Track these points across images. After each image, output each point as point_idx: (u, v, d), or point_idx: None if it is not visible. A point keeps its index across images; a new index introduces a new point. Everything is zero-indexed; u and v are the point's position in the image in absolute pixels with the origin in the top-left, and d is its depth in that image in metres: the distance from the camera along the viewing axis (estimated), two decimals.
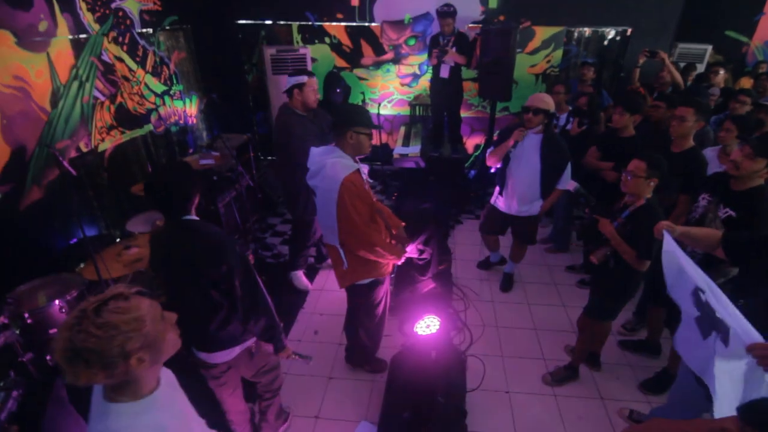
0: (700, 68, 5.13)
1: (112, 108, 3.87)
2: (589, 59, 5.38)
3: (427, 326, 2.61)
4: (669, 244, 1.80)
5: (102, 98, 3.74)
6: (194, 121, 5.15)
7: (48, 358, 2.31)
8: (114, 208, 3.74)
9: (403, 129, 5.79)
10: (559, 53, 5.56)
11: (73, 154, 3.43)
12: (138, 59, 4.20)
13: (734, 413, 1.14)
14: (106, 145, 3.80)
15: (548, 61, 5.62)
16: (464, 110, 5.46)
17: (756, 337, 1.31)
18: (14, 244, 2.90)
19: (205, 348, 1.86)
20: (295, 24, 5.58)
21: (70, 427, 1.91)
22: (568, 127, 3.93)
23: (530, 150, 3.05)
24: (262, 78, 5.67)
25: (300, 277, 3.74)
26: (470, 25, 5.26)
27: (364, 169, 2.29)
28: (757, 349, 1.28)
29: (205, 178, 3.68)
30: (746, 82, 4.98)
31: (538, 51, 5.56)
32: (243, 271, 1.73)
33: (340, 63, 5.78)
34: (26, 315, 2.25)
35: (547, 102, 2.98)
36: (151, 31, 4.40)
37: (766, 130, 3.05)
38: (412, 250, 2.65)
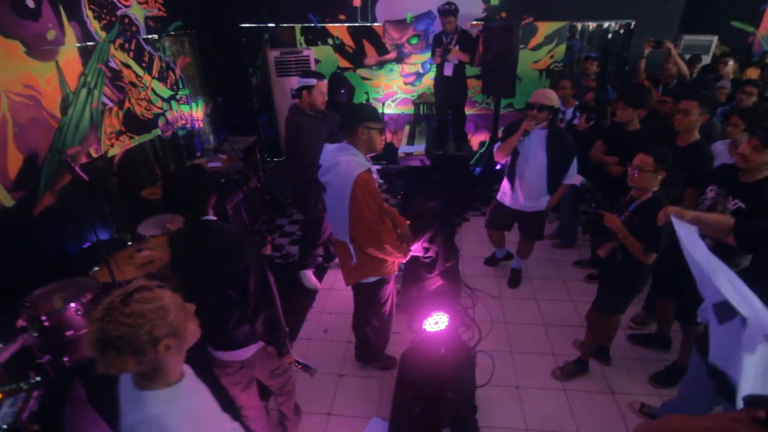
0: (706, 60, 5.09)
1: (121, 114, 3.93)
2: (592, 53, 5.36)
3: (436, 323, 2.63)
4: (680, 230, 1.76)
5: (110, 104, 3.80)
6: (201, 125, 5.21)
7: (65, 359, 2.37)
8: (124, 212, 3.80)
9: (407, 128, 5.81)
10: (562, 48, 5.54)
11: (83, 159, 3.49)
12: (144, 65, 4.26)
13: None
14: (116, 150, 3.85)
15: (551, 57, 5.61)
16: (468, 107, 5.47)
17: None
18: (29, 249, 2.96)
19: (222, 347, 1.89)
20: (297, 26, 5.62)
21: (89, 425, 1.96)
22: (575, 121, 3.93)
23: (536, 145, 3.05)
24: (266, 80, 5.72)
25: (309, 276, 3.77)
26: (472, 22, 5.26)
27: (374, 168, 2.33)
28: None
29: (213, 180, 3.74)
30: (753, 73, 4.93)
31: (541, 46, 5.55)
32: (258, 269, 1.76)
33: (344, 64, 5.81)
34: (43, 318, 2.30)
35: (551, 98, 2.98)
36: (156, 37, 4.45)
37: None
38: (417, 249, 2.67)
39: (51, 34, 3.24)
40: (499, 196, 3.47)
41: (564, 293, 3.68)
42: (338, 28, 5.61)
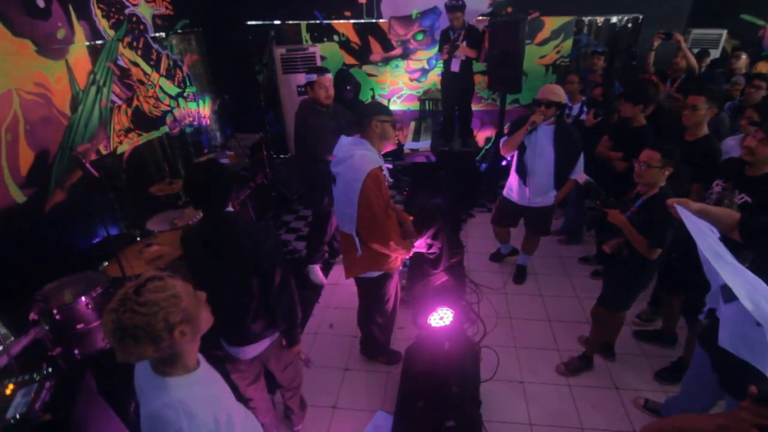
0: (715, 54, 5.03)
1: (129, 111, 3.98)
2: (599, 48, 5.31)
3: (441, 318, 2.65)
4: (688, 219, 1.73)
5: (119, 102, 3.85)
6: (208, 122, 5.25)
7: (76, 352, 2.42)
8: (133, 209, 3.85)
9: (413, 124, 5.80)
10: (569, 43, 5.49)
11: (93, 156, 3.55)
12: (152, 63, 4.30)
13: None
14: (125, 147, 3.91)
15: (558, 52, 5.57)
16: (474, 103, 5.45)
17: None
18: (41, 244, 3.02)
19: (237, 342, 1.92)
20: (303, 23, 5.63)
21: (99, 416, 2.00)
22: (582, 117, 3.91)
23: (544, 141, 3.05)
24: (272, 77, 5.74)
25: (317, 271, 3.81)
26: (478, 17, 5.23)
27: (385, 166, 2.35)
28: None
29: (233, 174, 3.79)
30: (763, 67, 4.87)
31: (547, 42, 5.51)
32: (282, 258, 1.81)
33: (349, 60, 5.82)
34: (55, 311, 2.34)
35: (559, 94, 2.97)
36: (163, 35, 4.50)
37: None
38: (420, 245, 2.69)
39: (61, 33, 3.29)
40: (505, 192, 3.47)
41: (569, 289, 3.67)
42: (344, 25, 5.62)
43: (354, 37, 5.69)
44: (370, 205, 2.15)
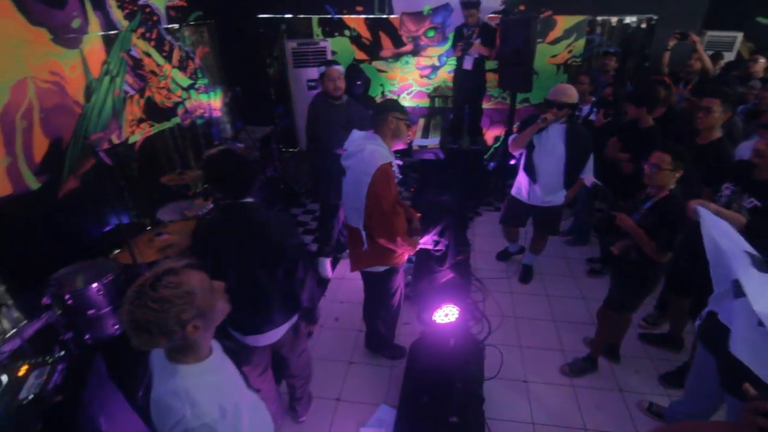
0: (729, 56, 4.97)
1: (142, 101, 4.02)
2: (611, 48, 5.26)
3: (446, 315, 2.66)
4: (707, 221, 1.71)
5: (132, 92, 3.89)
6: (219, 114, 5.28)
7: (87, 337, 2.46)
8: (144, 198, 3.90)
9: (422, 121, 5.80)
10: (581, 43, 5.45)
11: (105, 146, 3.58)
12: (165, 54, 4.33)
13: None
14: (136, 137, 3.95)
15: (570, 51, 5.53)
16: (484, 101, 5.43)
17: None
18: (54, 230, 3.06)
19: (257, 329, 1.95)
20: (315, 17, 5.63)
21: (109, 399, 2.04)
22: (591, 117, 3.89)
23: (555, 140, 3.03)
24: (283, 71, 5.76)
25: (326, 264, 3.82)
26: (490, 15, 5.21)
27: (396, 163, 2.36)
28: None
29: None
30: None
31: (559, 41, 5.47)
32: (303, 243, 1.85)
33: (360, 55, 5.81)
34: (67, 297, 2.39)
35: (571, 95, 2.95)
36: (176, 26, 4.52)
37: None
38: (426, 241, 2.70)
39: (76, 23, 3.32)
40: (514, 192, 3.46)
41: (575, 290, 3.67)
42: (355, 20, 5.61)
43: (365, 33, 5.68)
44: (378, 200, 2.17)
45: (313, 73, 5.30)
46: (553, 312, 3.43)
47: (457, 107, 5.27)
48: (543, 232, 3.54)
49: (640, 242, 2.28)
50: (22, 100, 2.89)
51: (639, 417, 2.58)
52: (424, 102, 5.97)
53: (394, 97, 5.79)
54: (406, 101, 5.97)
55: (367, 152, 2.18)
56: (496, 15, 5.20)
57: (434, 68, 5.83)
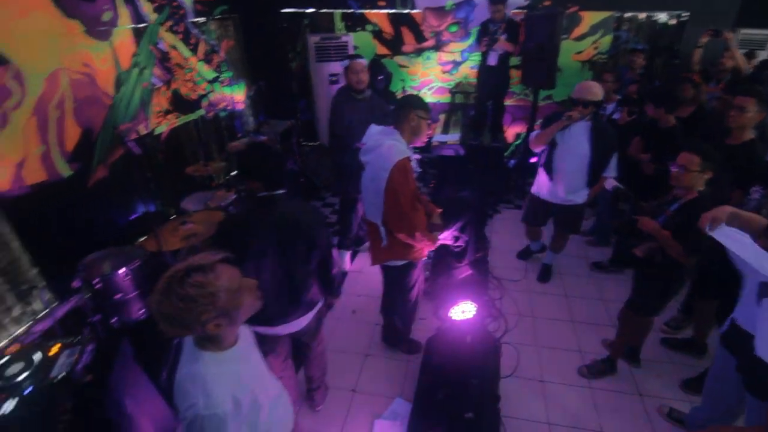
0: (763, 55, 4.78)
1: (168, 93, 4.11)
2: (639, 45, 5.13)
3: (463, 312, 2.65)
4: (725, 239, 1.67)
5: (159, 84, 3.98)
6: (241, 107, 5.35)
7: (114, 320, 2.55)
8: (169, 188, 4.00)
9: (442, 117, 5.78)
10: (607, 39, 5.33)
11: (133, 136, 3.68)
12: (191, 47, 4.41)
13: None
14: (162, 128, 4.04)
15: (596, 48, 5.41)
16: (506, 98, 5.37)
17: None
18: (84, 217, 3.17)
19: (287, 318, 2.00)
20: (337, 12, 5.64)
21: (134, 380, 2.11)
22: (615, 116, 3.81)
23: (579, 137, 2.98)
24: (305, 65, 5.79)
25: (345, 258, 3.84)
26: (515, 10, 5.14)
27: (414, 157, 2.36)
28: None
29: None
30: None
31: (585, 37, 5.35)
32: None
33: (381, 50, 5.81)
34: (95, 281, 2.47)
35: (596, 92, 2.90)
36: (203, 20, 4.60)
37: None
38: (446, 237, 2.69)
39: (107, 15, 3.41)
40: (534, 190, 3.42)
41: (595, 291, 3.61)
42: (377, 15, 5.60)
43: (387, 27, 5.67)
44: (396, 195, 2.17)
45: (335, 67, 5.32)
46: (571, 312, 3.38)
47: (479, 103, 5.22)
48: (564, 230, 3.49)
49: (665, 245, 2.22)
50: (55, 91, 2.99)
51: (658, 422, 2.53)
52: (445, 98, 5.93)
53: (414, 92, 5.77)
54: (427, 97, 5.94)
55: (385, 147, 2.19)
56: (520, 11, 5.12)
57: (456, 64, 5.78)
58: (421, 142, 2.36)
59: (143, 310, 2.65)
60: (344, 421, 2.55)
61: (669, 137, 2.94)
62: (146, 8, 3.80)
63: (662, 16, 5.19)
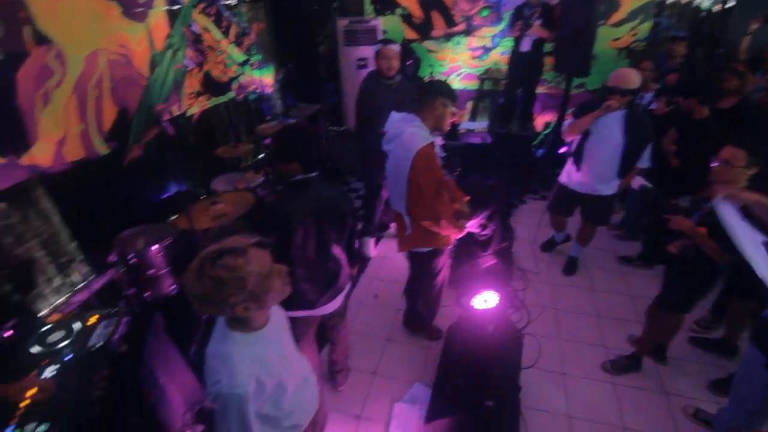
0: None
1: (200, 75, 4.17)
2: (680, 33, 4.88)
3: (485, 301, 2.64)
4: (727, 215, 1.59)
5: (191, 66, 4.04)
6: (270, 90, 5.39)
7: (147, 294, 2.65)
8: (200, 168, 4.09)
9: (470, 104, 5.68)
10: (647, 26, 5.09)
11: (166, 117, 3.77)
12: (223, 30, 4.45)
13: None
14: (194, 110, 4.12)
15: (634, 35, 5.18)
16: (537, 86, 5.23)
17: None
18: (120, 194, 3.29)
19: (324, 300, 2.05)
20: None
21: (166, 352, 2.21)
22: (653, 106, 3.66)
23: (612, 126, 2.88)
24: (333, 49, 5.77)
25: (369, 244, 3.84)
26: None
27: (438, 142, 2.33)
28: None
29: None
30: None
31: (623, 23, 5.14)
32: None
33: (410, 35, 5.72)
34: (130, 256, 2.57)
35: (634, 80, 2.79)
36: (234, 2, 4.62)
37: None
38: (473, 225, 2.67)
39: None
40: (563, 180, 3.34)
41: (622, 286, 3.53)
42: None
43: (417, 11, 5.57)
44: (419, 184, 2.15)
45: (364, 51, 5.28)
46: (596, 306, 3.32)
47: (509, 90, 5.10)
48: (591, 222, 3.41)
49: (700, 243, 2.14)
50: (94, 71, 3.08)
51: (683, 422, 2.48)
52: (474, 84, 5.82)
53: (444, 79, 5.67)
54: (455, 83, 5.84)
55: (406, 135, 2.16)
56: None
57: (486, 49, 5.65)
58: (441, 131, 2.31)
59: (174, 286, 2.75)
60: (364, 402, 2.60)
61: (701, 129, 2.82)
62: None
63: (706, 2, 4.91)
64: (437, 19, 5.57)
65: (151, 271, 2.62)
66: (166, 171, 3.61)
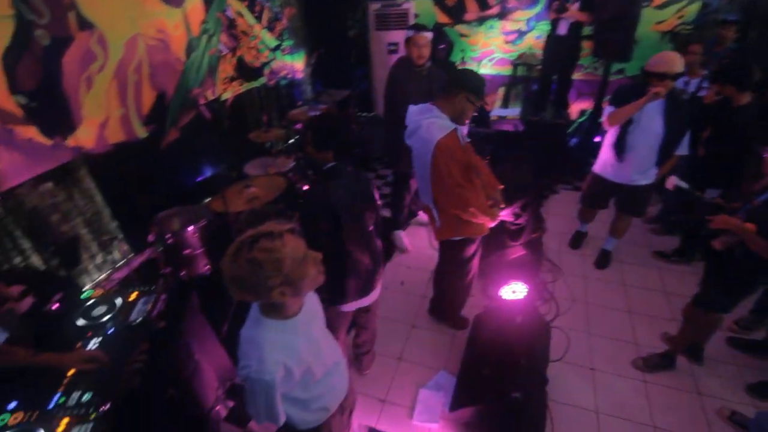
0: None
1: (233, 60, 4.23)
2: (731, 16, 4.55)
3: (513, 292, 2.61)
4: None
5: (225, 51, 4.10)
6: (301, 76, 5.42)
7: (182, 273, 2.75)
8: (233, 152, 4.17)
9: (502, 90, 5.53)
10: (695, 7, 4.77)
11: (201, 101, 3.85)
12: (256, 15, 4.48)
13: None
14: (228, 94, 4.19)
15: (680, 17, 4.88)
16: (573, 72, 5.02)
17: None
18: (158, 176, 3.41)
19: (371, 288, 2.12)
20: None
21: (201, 331, 2.30)
22: (701, 93, 3.46)
23: (652, 113, 2.75)
24: (364, 34, 5.71)
25: (402, 237, 3.81)
26: None
27: (464, 130, 2.28)
28: None
29: None
30: None
31: (668, 5, 4.83)
32: None
33: (442, 19, 5.59)
34: (168, 236, 2.67)
35: (679, 65, 2.65)
36: None
37: None
38: (506, 214, 2.62)
39: None
40: (598, 170, 3.22)
41: (657, 282, 3.41)
42: None
43: None
44: (441, 176, 2.13)
45: (395, 36, 5.20)
46: (629, 302, 3.23)
47: (544, 76, 4.92)
48: (627, 213, 3.29)
49: (749, 241, 2.03)
50: (133, 56, 3.16)
51: (718, 424, 2.39)
52: (507, 70, 5.64)
53: (475, 68, 5.53)
54: (487, 68, 5.69)
55: (424, 128, 2.13)
56: None
57: (521, 33, 5.45)
58: (461, 125, 2.25)
59: (208, 266, 2.84)
60: (389, 386, 2.64)
61: (740, 118, 2.66)
62: None
63: None
64: (470, 2, 5.40)
65: (187, 251, 2.72)
66: (201, 154, 3.70)
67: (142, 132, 3.29)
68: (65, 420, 1.51)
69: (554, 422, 2.36)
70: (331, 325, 1.56)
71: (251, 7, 4.39)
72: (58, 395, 1.61)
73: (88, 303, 2.12)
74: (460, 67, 5.43)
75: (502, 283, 2.66)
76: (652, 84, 2.70)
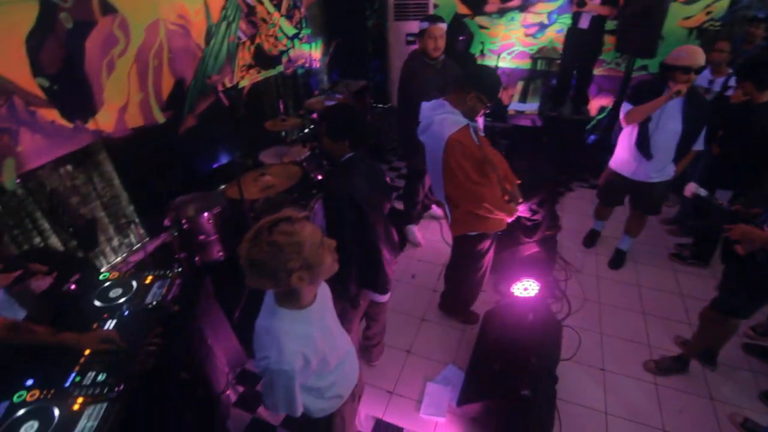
0: None
1: (252, 48, 4.22)
2: (761, 13, 4.38)
3: (525, 289, 2.60)
4: None
5: (244, 38, 4.09)
6: (318, 65, 5.39)
7: (197, 259, 2.79)
8: (249, 140, 4.19)
9: (520, 84, 5.44)
10: (724, 3, 4.62)
11: (219, 88, 3.87)
12: (275, 2, 4.46)
13: None
14: (245, 82, 4.20)
15: (708, 13, 4.72)
16: (594, 66, 4.91)
17: None
18: (175, 161, 3.45)
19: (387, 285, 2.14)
20: None
21: (214, 316, 2.33)
22: (728, 92, 3.36)
23: (671, 109, 2.70)
24: (382, 24, 5.65)
25: (415, 232, 3.79)
26: None
27: (479, 123, 2.26)
28: None
29: None
30: None
31: (697, 0, 4.69)
32: None
33: (462, 10, 5.50)
34: (183, 221, 2.70)
35: (701, 59, 2.59)
36: None
37: None
38: (523, 210, 2.59)
39: None
40: (615, 166, 3.15)
41: (672, 284, 3.35)
42: None
43: None
44: (453, 171, 2.11)
45: (414, 26, 5.14)
46: (643, 303, 3.18)
47: (563, 70, 4.82)
48: (643, 211, 3.23)
49: None
50: (154, 41, 3.18)
51: (729, 430, 2.36)
52: (526, 63, 5.54)
53: (494, 61, 5.42)
54: (506, 62, 5.59)
55: (436, 124, 2.12)
56: None
57: (542, 27, 5.34)
58: (472, 121, 2.22)
59: (222, 253, 2.87)
60: (397, 378, 2.65)
61: (759, 116, 2.59)
62: None
63: None
64: None
65: (202, 237, 2.75)
66: (217, 141, 3.73)
67: (160, 117, 3.32)
68: (80, 399, 1.54)
69: (562, 421, 2.36)
70: (345, 317, 1.57)
71: None
72: (73, 374, 1.63)
73: (105, 285, 2.16)
74: (479, 63, 5.35)
75: (514, 279, 2.65)
76: (673, 78, 2.63)
